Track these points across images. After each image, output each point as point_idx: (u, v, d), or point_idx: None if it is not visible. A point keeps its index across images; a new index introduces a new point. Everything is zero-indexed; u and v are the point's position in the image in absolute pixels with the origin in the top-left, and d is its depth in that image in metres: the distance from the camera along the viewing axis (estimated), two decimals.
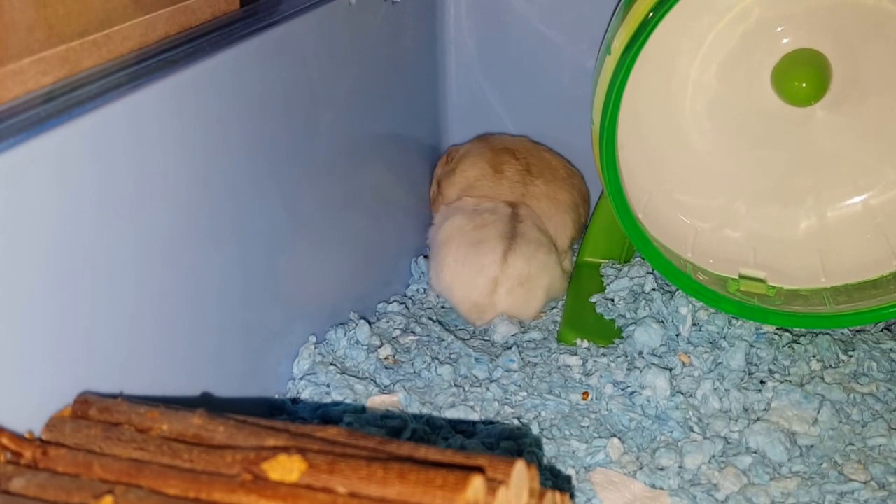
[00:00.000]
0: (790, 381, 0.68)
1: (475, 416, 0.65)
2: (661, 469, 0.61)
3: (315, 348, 0.69)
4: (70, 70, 0.48)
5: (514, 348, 0.73)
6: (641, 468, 0.61)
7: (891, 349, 0.72)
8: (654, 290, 0.77)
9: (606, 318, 0.77)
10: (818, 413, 0.65)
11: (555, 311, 0.82)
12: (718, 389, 0.67)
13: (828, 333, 0.73)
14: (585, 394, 0.68)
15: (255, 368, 0.63)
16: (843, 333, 0.74)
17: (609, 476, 0.60)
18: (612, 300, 0.79)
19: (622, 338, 0.74)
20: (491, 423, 0.65)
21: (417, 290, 0.86)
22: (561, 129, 0.91)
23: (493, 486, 0.35)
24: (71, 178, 0.44)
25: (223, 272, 0.58)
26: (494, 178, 0.86)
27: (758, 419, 0.65)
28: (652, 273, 0.79)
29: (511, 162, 0.87)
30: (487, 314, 0.79)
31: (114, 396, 0.43)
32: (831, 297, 0.73)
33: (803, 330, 0.74)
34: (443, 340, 0.75)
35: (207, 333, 0.57)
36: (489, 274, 0.78)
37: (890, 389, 0.68)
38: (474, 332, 0.79)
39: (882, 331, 0.76)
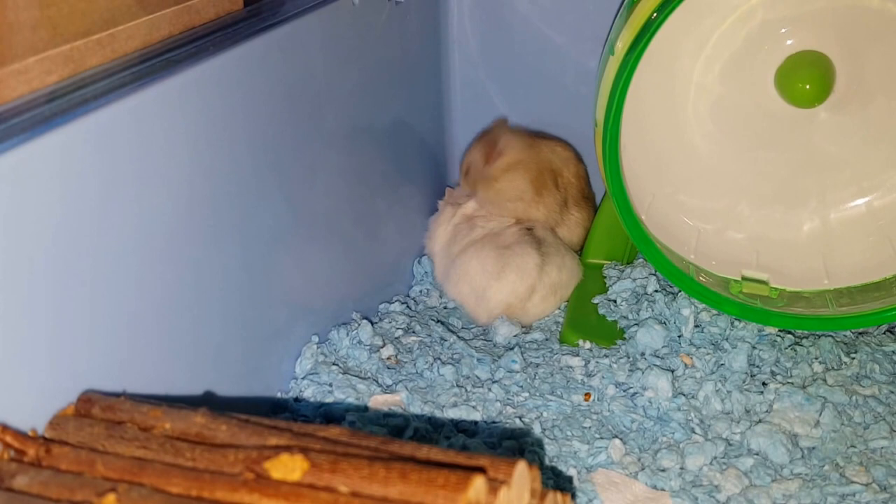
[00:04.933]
0: (792, 383, 0.68)
1: (477, 416, 0.65)
2: (663, 470, 0.61)
3: (317, 348, 0.69)
4: (74, 69, 0.48)
5: (516, 349, 0.73)
6: (643, 469, 0.61)
7: (893, 351, 0.72)
8: (656, 291, 0.77)
9: (609, 319, 0.77)
10: (820, 415, 0.65)
11: (557, 312, 0.82)
12: (720, 391, 0.67)
13: (830, 335, 0.73)
14: (587, 395, 0.68)
15: (258, 367, 0.63)
16: (845, 336, 0.74)
17: (611, 477, 0.60)
18: (615, 301, 0.79)
19: (624, 339, 0.74)
20: (493, 422, 0.65)
21: (420, 290, 0.86)
22: (564, 130, 0.91)
23: (494, 486, 0.35)
24: (74, 177, 0.44)
25: (226, 271, 0.58)
26: (532, 202, 0.84)
27: (759, 421, 0.65)
28: (654, 274, 0.79)
29: (552, 191, 0.85)
30: (518, 319, 0.79)
31: (117, 395, 0.43)
32: (834, 299, 0.73)
33: (806, 332, 0.74)
34: (445, 341, 0.75)
35: (210, 332, 0.57)
36: (528, 280, 0.78)
37: (892, 392, 0.68)
38: (477, 333, 0.79)
39: (885, 333, 0.76)
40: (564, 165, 0.87)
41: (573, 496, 0.58)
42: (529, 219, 0.84)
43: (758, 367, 0.70)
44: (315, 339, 0.70)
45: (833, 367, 0.70)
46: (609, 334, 0.75)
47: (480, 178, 0.85)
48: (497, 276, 0.78)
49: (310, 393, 0.66)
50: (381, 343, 0.72)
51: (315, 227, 0.69)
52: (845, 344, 0.73)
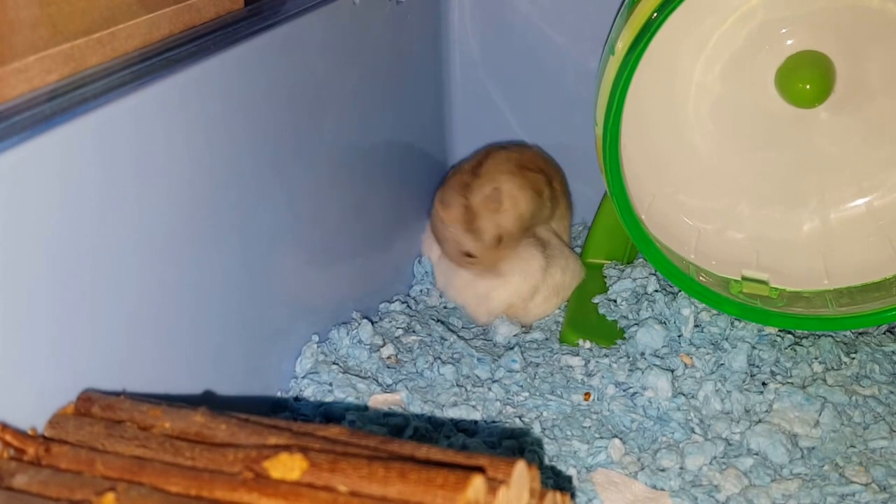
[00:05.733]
0: (792, 383, 0.68)
1: (477, 416, 0.65)
2: (663, 470, 0.61)
3: (318, 347, 0.69)
4: (74, 68, 0.48)
5: (516, 348, 0.73)
6: (643, 469, 0.61)
7: (893, 352, 0.72)
8: (656, 291, 0.77)
9: (609, 318, 0.77)
10: (820, 415, 0.65)
11: (557, 311, 0.82)
12: (720, 391, 0.67)
13: (830, 335, 0.73)
14: (587, 394, 0.68)
15: (258, 366, 0.63)
16: (845, 336, 0.74)
17: (610, 476, 0.60)
18: (615, 301, 0.79)
19: (624, 339, 0.74)
20: (493, 422, 0.65)
21: (420, 290, 0.86)
22: (564, 130, 0.91)
23: (493, 485, 0.35)
24: (74, 176, 0.44)
25: (226, 270, 0.58)
26: (546, 199, 0.83)
27: (759, 421, 0.65)
28: (654, 274, 0.79)
29: (539, 177, 0.83)
30: (519, 318, 0.80)
31: (116, 394, 0.43)
32: (834, 299, 0.73)
33: (805, 332, 0.74)
34: (445, 340, 0.75)
35: (210, 331, 0.57)
36: (532, 281, 0.79)
37: (892, 392, 0.68)
38: (477, 333, 0.79)
39: (884, 333, 0.76)
40: (521, 156, 0.85)
41: (573, 496, 0.58)
42: (548, 219, 0.84)
43: (757, 367, 0.70)
44: (315, 338, 0.70)
45: (833, 367, 0.70)
46: (609, 334, 0.75)
47: (504, 226, 0.78)
48: (501, 278, 0.78)
49: (310, 392, 0.66)
50: (381, 342, 0.72)
51: (315, 226, 0.69)
52: (845, 344, 0.73)
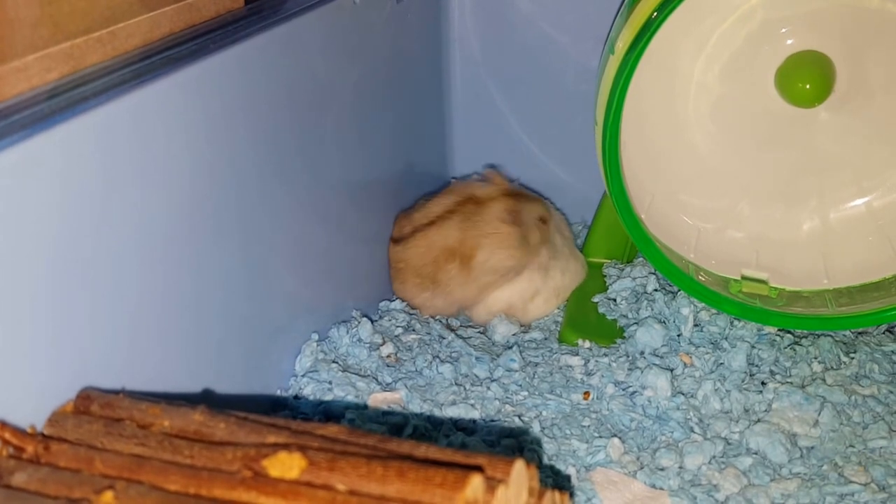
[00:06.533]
0: (791, 383, 0.68)
1: (476, 414, 0.65)
2: (662, 469, 0.61)
3: (317, 345, 0.69)
4: (74, 67, 0.49)
5: (514, 348, 0.74)
6: (642, 468, 0.61)
7: (892, 351, 0.72)
8: (656, 290, 0.77)
9: (608, 318, 0.77)
10: (819, 415, 0.65)
11: (557, 311, 0.82)
12: (719, 390, 0.67)
13: (829, 335, 0.73)
14: (587, 393, 0.68)
15: (258, 365, 0.63)
16: (844, 335, 0.74)
17: (609, 476, 0.60)
18: (614, 300, 0.79)
19: (624, 338, 0.74)
20: (492, 421, 0.65)
21: None
22: (564, 129, 0.91)
23: (492, 484, 0.35)
24: (75, 175, 0.44)
25: (226, 269, 0.58)
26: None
27: (758, 420, 0.65)
28: (654, 273, 0.79)
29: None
30: (518, 319, 0.80)
31: (116, 392, 0.43)
32: (833, 298, 0.73)
33: (805, 332, 0.74)
34: (444, 339, 0.75)
35: (210, 330, 0.57)
36: (534, 283, 0.79)
37: (891, 392, 0.68)
38: (476, 332, 0.79)
39: (884, 333, 0.76)
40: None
41: (572, 495, 0.58)
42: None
43: (757, 366, 0.70)
44: (315, 336, 0.70)
45: (832, 367, 0.70)
46: (608, 333, 0.75)
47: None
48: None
49: (309, 391, 0.66)
50: (380, 341, 0.72)
51: (315, 225, 0.69)
52: (844, 344, 0.73)
